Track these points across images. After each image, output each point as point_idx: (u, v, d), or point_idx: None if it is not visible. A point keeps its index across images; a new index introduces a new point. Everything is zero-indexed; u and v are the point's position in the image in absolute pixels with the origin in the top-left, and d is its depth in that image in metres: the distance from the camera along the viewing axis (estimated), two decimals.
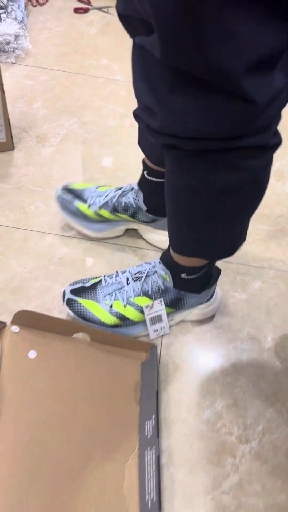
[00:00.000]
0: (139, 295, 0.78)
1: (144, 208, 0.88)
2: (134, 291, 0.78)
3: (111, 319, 0.78)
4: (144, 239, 0.97)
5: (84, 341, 0.75)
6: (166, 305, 0.79)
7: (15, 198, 1.01)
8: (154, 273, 0.78)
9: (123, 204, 0.89)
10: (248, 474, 0.70)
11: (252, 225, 1.04)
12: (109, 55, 1.42)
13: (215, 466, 0.71)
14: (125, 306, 0.78)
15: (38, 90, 1.27)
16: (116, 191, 0.90)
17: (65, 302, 0.80)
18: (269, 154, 0.54)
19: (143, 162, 0.83)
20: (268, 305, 0.90)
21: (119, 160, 1.12)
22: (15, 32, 1.32)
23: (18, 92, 1.25)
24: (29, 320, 0.70)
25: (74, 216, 0.93)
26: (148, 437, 0.68)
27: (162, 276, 0.77)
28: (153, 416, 0.69)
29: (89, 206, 0.91)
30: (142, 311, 0.78)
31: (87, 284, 0.81)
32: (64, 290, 0.81)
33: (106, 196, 0.90)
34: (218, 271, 0.81)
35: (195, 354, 0.82)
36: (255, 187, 0.58)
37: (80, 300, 0.79)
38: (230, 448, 0.72)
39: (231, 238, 0.67)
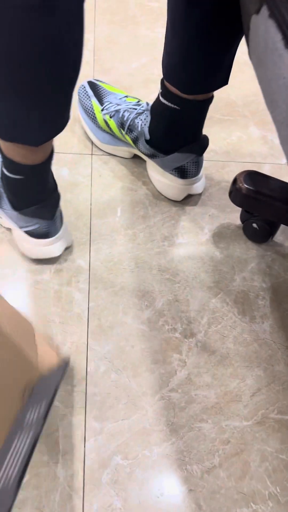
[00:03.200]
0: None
1: (147, 136, 0.77)
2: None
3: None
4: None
5: None
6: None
7: None
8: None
9: (129, 121, 0.79)
10: (196, 367, 0.65)
11: None
12: None
13: (161, 365, 0.64)
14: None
15: None
16: (134, 104, 0.80)
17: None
18: None
19: (162, 81, 0.71)
20: (202, 195, 0.83)
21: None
22: None
23: None
24: None
25: (85, 114, 0.88)
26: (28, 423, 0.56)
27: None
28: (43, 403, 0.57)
29: (102, 109, 0.83)
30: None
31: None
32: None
33: (121, 105, 0.81)
34: None
35: (128, 255, 0.74)
36: None
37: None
38: (175, 345, 0.66)
39: None
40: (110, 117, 0.83)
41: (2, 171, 0.63)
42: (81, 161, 0.86)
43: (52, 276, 0.71)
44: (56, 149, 0.86)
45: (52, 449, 0.57)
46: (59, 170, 0.84)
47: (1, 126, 0.53)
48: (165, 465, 0.57)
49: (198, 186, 0.80)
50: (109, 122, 0.83)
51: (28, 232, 0.68)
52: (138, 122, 0.79)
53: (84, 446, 0.57)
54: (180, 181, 0.78)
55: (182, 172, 0.77)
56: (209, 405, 0.62)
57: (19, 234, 0.70)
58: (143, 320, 0.68)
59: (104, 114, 0.83)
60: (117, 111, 0.82)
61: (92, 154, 0.88)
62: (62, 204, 0.79)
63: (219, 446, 0.59)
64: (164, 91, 0.72)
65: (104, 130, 0.86)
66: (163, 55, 0.70)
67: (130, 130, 0.80)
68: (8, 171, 0.60)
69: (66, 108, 0.54)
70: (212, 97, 0.71)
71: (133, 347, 0.65)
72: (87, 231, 0.76)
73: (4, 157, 0.59)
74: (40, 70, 0.47)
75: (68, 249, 0.73)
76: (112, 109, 0.82)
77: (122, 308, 0.69)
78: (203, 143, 0.76)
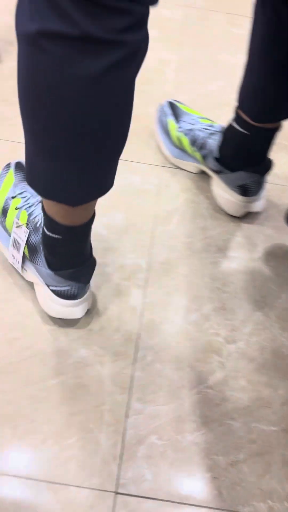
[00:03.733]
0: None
1: (216, 154, 0.86)
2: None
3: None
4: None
5: None
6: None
7: None
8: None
9: (201, 140, 0.88)
10: (234, 371, 0.71)
11: None
12: None
13: (201, 363, 0.71)
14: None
15: None
16: (207, 125, 0.90)
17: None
18: None
19: (236, 107, 0.80)
20: (260, 214, 0.89)
21: None
22: None
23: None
24: None
25: (161, 130, 0.97)
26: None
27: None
28: None
29: (177, 127, 0.93)
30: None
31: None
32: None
33: (195, 125, 0.91)
34: None
35: (184, 261, 0.82)
36: None
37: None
38: (216, 347, 0.73)
39: None
40: (184, 134, 0.91)
41: (42, 228, 0.64)
42: (152, 171, 0.95)
43: (115, 270, 0.79)
44: (131, 158, 0.95)
45: (98, 419, 0.65)
46: (132, 177, 0.93)
47: (42, 183, 0.54)
48: (194, 452, 0.64)
49: (257, 205, 0.86)
50: (182, 139, 0.91)
51: (56, 292, 0.67)
52: (210, 141, 0.86)
53: (125, 422, 0.65)
54: (240, 198, 0.84)
55: (244, 190, 0.83)
56: (241, 406, 0.68)
57: (45, 291, 0.69)
58: (190, 321, 0.75)
59: (179, 131, 0.92)
60: (191, 130, 0.90)
61: (162, 166, 0.96)
62: (130, 208, 0.88)
63: (246, 444, 0.65)
64: (237, 117, 0.79)
65: (176, 146, 0.94)
66: (240, 84, 0.77)
67: (201, 147, 0.88)
68: (47, 229, 0.62)
69: (109, 175, 0.55)
70: (280, 126, 0.77)
71: (179, 343, 0.73)
72: (149, 235, 0.85)
73: (45, 214, 0.60)
74: (95, 142, 0.49)
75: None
76: (187, 128, 0.90)
77: (173, 307, 0.76)
78: (267, 165, 0.82)
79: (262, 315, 0.77)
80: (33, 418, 0.64)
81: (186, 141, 0.91)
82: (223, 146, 0.84)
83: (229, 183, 0.85)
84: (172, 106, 0.97)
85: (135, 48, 0.43)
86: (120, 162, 0.93)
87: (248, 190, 0.83)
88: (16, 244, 0.71)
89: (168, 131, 0.95)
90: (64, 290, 0.67)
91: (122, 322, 0.74)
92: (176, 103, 0.98)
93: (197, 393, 0.69)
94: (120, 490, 0.61)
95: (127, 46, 0.41)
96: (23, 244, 0.69)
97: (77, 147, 0.49)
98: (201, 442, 0.65)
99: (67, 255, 0.64)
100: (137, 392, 0.68)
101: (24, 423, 0.64)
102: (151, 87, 1.11)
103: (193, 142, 0.90)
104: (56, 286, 0.67)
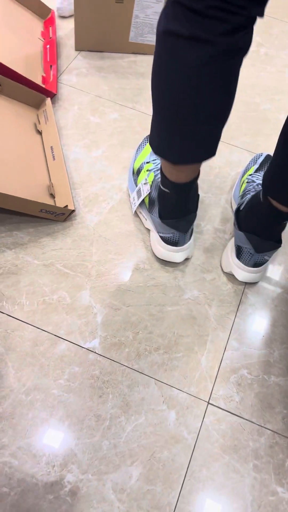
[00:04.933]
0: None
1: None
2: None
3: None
4: None
5: None
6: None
7: (39, 280, 0.82)
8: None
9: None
10: None
11: None
12: None
13: None
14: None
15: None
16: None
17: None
18: None
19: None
20: None
21: None
22: None
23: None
24: None
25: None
26: None
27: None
28: None
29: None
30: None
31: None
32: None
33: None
34: None
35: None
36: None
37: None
38: None
39: None
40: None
41: (159, 184, 0.81)
42: None
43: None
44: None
45: (202, 345, 0.79)
46: None
47: (156, 143, 0.68)
48: (277, 390, 0.76)
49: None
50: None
51: (162, 238, 0.84)
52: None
53: (223, 353, 0.78)
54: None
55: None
56: None
57: (155, 237, 0.86)
58: None
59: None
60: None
61: None
62: None
63: None
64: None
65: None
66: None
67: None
68: (161, 184, 0.77)
69: (205, 145, 0.66)
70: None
71: (277, 306, 0.85)
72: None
73: (161, 172, 0.76)
74: (195, 115, 0.61)
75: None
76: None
77: (276, 278, 0.88)
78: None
79: None
80: (151, 330, 0.79)
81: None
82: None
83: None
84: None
85: (230, 47, 0.56)
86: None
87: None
88: (138, 193, 0.89)
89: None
90: (168, 237, 0.83)
91: (232, 279, 0.87)
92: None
93: (286, 348, 0.80)
94: (211, 402, 0.74)
95: (222, 45, 0.55)
96: (143, 195, 0.87)
97: (181, 118, 0.62)
98: (283, 385, 0.76)
99: (172, 207, 0.79)
100: (236, 333, 0.81)
101: (143, 332, 0.79)
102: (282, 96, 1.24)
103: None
104: (163, 233, 0.84)
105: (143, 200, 0.89)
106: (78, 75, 1.15)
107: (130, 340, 0.78)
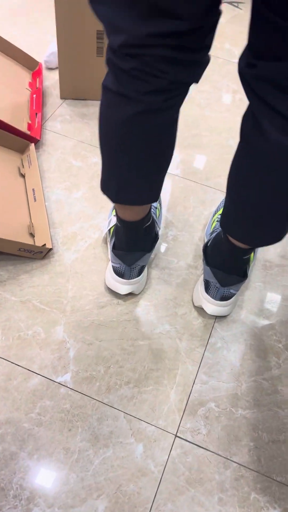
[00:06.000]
0: None
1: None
2: None
3: None
4: None
5: None
6: None
7: (15, 316, 0.86)
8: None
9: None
10: (287, 372, 0.84)
11: None
12: (232, 42, 1.60)
13: (261, 359, 0.85)
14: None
15: None
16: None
17: None
18: None
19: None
20: None
21: None
22: None
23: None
24: None
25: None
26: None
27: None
28: None
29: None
30: None
31: None
32: None
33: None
34: None
35: (262, 280, 0.97)
36: None
37: None
38: (276, 351, 0.87)
39: None
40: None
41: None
42: None
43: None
44: None
45: (171, 379, 0.81)
46: None
47: (101, 178, 0.75)
48: (243, 424, 0.77)
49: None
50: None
51: (113, 267, 0.88)
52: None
53: (192, 387, 0.81)
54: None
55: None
56: None
57: (109, 266, 0.91)
58: (258, 326, 0.90)
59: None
60: None
61: None
62: None
63: None
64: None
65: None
66: None
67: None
68: (116, 218, 0.83)
69: (144, 190, 0.72)
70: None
71: (246, 340, 0.88)
72: None
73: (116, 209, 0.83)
74: (131, 161, 0.67)
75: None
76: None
77: (245, 312, 0.92)
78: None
79: None
80: (122, 364, 0.82)
81: None
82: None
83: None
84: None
85: (155, 106, 0.61)
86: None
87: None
88: (109, 223, 0.95)
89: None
90: (116, 267, 0.88)
91: (202, 313, 0.90)
92: None
93: (254, 381, 0.83)
94: (179, 435, 0.76)
95: (147, 104, 0.60)
96: (110, 225, 0.93)
97: (114, 165, 0.68)
98: (250, 418, 0.78)
99: (121, 240, 0.85)
100: (205, 367, 0.83)
101: (115, 366, 0.82)
102: None
103: None
104: (113, 262, 0.88)
105: (109, 230, 0.95)
106: (62, 121, 1.23)
107: (101, 374, 0.81)
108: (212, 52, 1.55)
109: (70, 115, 1.25)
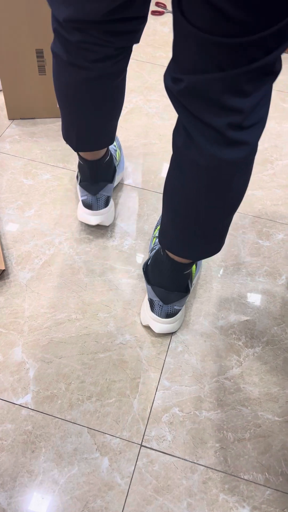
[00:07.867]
0: None
1: None
2: None
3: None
4: None
5: None
6: None
7: None
8: None
9: None
10: (249, 369, 0.85)
11: (284, 191, 1.20)
12: None
13: (222, 359, 0.86)
14: None
15: None
16: None
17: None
18: None
19: None
20: (287, 252, 1.05)
21: None
22: None
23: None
24: None
25: None
26: None
27: None
28: None
29: None
30: None
31: None
32: None
33: None
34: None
35: (218, 280, 0.98)
36: None
37: None
38: (236, 349, 0.87)
39: None
40: None
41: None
42: None
43: None
44: None
45: (133, 388, 0.81)
46: None
47: (62, 132, 0.88)
48: (208, 425, 0.78)
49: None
50: None
51: (82, 201, 0.98)
52: None
53: (155, 394, 0.80)
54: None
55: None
56: (251, 397, 0.81)
57: (79, 203, 1.01)
58: (217, 326, 0.91)
59: None
60: None
61: None
62: None
63: (252, 427, 0.78)
64: None
65: None
66: None
67: None
68: (78, 157, 0.96)
69: (100, 136, 0.86)
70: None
71: (205, 341, 0.88)
72: None
73: None
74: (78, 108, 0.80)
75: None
76: None
77: (203, 313, 0.92)
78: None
79: (279, 329, 0.91)
80: (83, 379, 0.81)
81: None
82: None
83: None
84: None
85: (103, 72, 0.70)
86: None
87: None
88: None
89: None
90: (83, 199, 0.98)
91: None
92: None
93: (216, 382, 0.83)
94: (144, 444, 0.75)
95: (96, 70, 0.69)
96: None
97: (72, 118, 0.81)
98: (214, 419, 0.79)
99: (85, 174, 0.97)
100: (167, 373, 0.83)
101: (76, 382, 0.81)
102: None
103: None
104: (81, 195, 0.99)
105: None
106: (11, 142, 1.23)
107: (62, 392, 0.80)
108: (158, 61, 1.57)
109: (19, 134, 1.25)
